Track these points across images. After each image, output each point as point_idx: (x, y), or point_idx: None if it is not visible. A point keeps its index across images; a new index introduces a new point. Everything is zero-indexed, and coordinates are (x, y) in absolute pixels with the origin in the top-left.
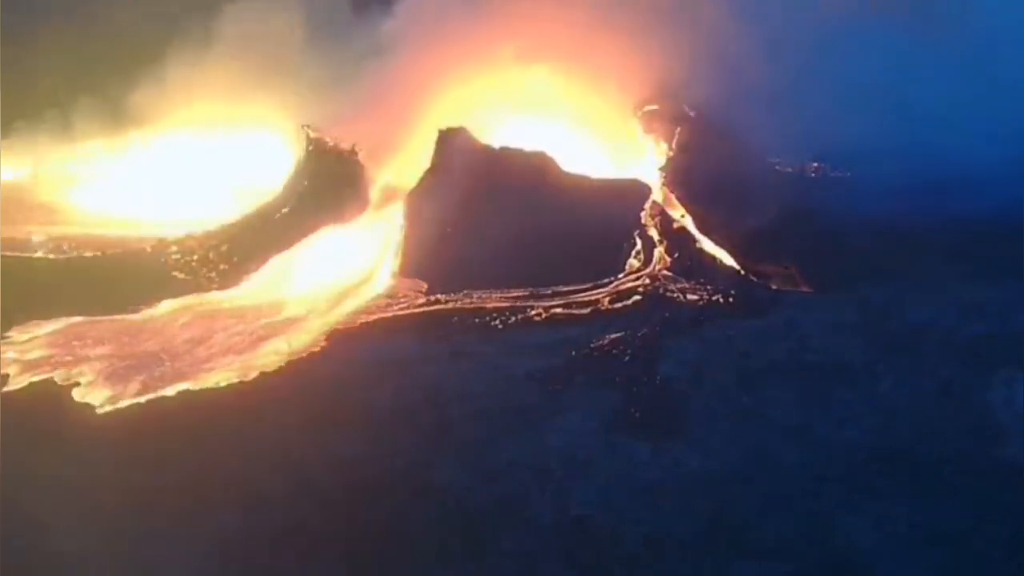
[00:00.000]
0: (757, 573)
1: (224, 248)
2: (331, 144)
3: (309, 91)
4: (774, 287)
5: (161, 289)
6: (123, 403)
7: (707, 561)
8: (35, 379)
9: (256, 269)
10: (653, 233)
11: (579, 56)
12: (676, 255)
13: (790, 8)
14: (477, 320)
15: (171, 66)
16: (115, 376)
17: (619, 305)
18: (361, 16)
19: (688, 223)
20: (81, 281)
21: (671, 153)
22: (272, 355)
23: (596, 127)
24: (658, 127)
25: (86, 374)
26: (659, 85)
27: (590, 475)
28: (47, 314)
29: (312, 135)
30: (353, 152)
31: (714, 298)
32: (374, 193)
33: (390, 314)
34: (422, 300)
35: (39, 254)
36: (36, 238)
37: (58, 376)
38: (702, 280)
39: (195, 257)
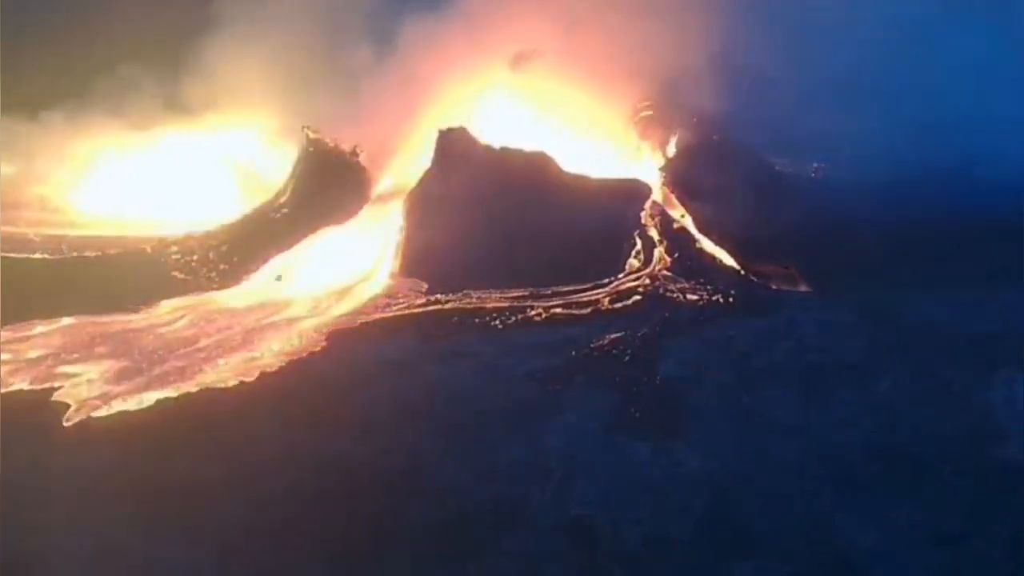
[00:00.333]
0: (757, 573)
1: (224, 248)
2: (331, 145)
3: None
4: (774, 287)
5: (161, 289)
6: (123, 403)
7: (707, 561)
8: (34, 379)
9: (256, 269)
10: (653, 233)
11: (580, 56)
12: (676, 255)
13: (791, 6)
14: (477, 320)
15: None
16: (115, 376)
17: (619, 305)
18: (365, 17)
19: (688, 223)
20: (81, 281)
21: (671, 153)
22: (272, 355)
23: (596, 126)
24: (658, 126)
25: (86, 374)
26: (660, 84)
27: (590, 475)
28: (47, 314)
29: (312, 136)
30: (354, 153)
31: (714, 298)
32: (374, 193)
33: (390, 314)
34: (422, 300)
35: (38, 255)
36: (36, 238)
37: (58, 376)
38: (702, 280)
39: (195, 257)
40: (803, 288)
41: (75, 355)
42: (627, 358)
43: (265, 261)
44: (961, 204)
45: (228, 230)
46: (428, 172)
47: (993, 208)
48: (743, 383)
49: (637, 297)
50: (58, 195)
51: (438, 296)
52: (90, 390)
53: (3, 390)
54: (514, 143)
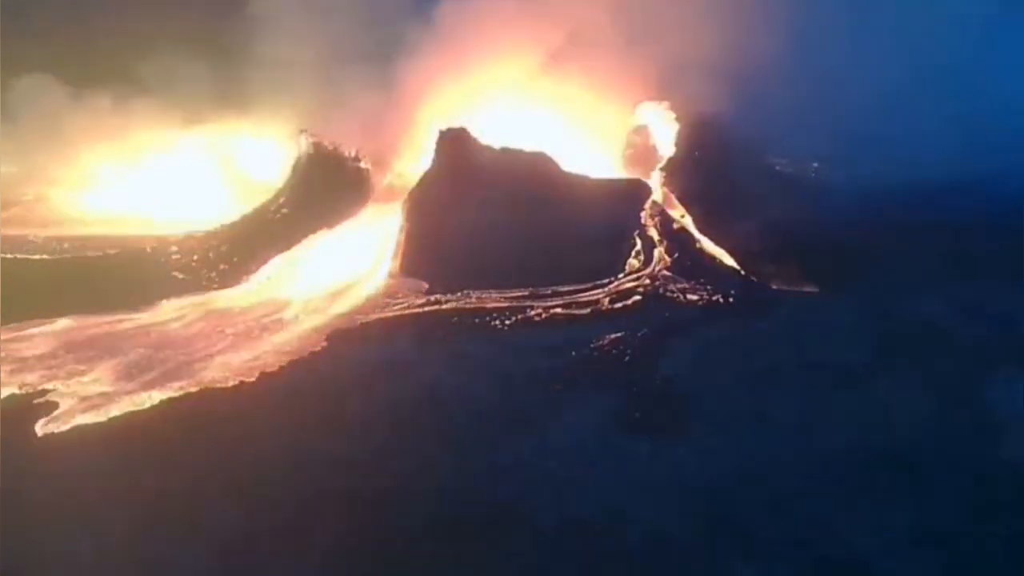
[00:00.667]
0: (757, 573)
1: (224, 248)
2: (330, 148)
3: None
4: (774, 287)
5: (162, 289)
6: (123, 402)
7: (707, 561)
8: (34, 379)
9: (256, 269)
10: (653, 233)
11: (580, 55)
12: (676, 255)
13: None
14: (477, 320)
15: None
16: (115, 376)
17: (619, 305)
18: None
19: (688, 223)
20: (81, 281)
21: (671, 153)
22: (272, 355)
23: (596, 125)
24: (659, 127)
25: (85, 374)
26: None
27: (590, 475)
28: (48, 314)
29: (310, 140)
30: (356, 159)
31: (714, 298)
32: (374, 194)
33: (390, 314)
34: (422, 300)
35: (38, 256)
36: (36, 238)
37: (58, 376)
38: (702, 280)
39: (195, 257)
40: (803, 288)
41: (75, 355)
42: (627, 358)
43: (265, 261)
44: (961, 204)
45: (228, 230)
46: (428, 172)
47: (993, 208)
48: (743, 383)
49: (637, 297)
50: (58, 194)
51: (438, 296)
52: (90, 390)
53: (3, 389)
54: (514, 143)
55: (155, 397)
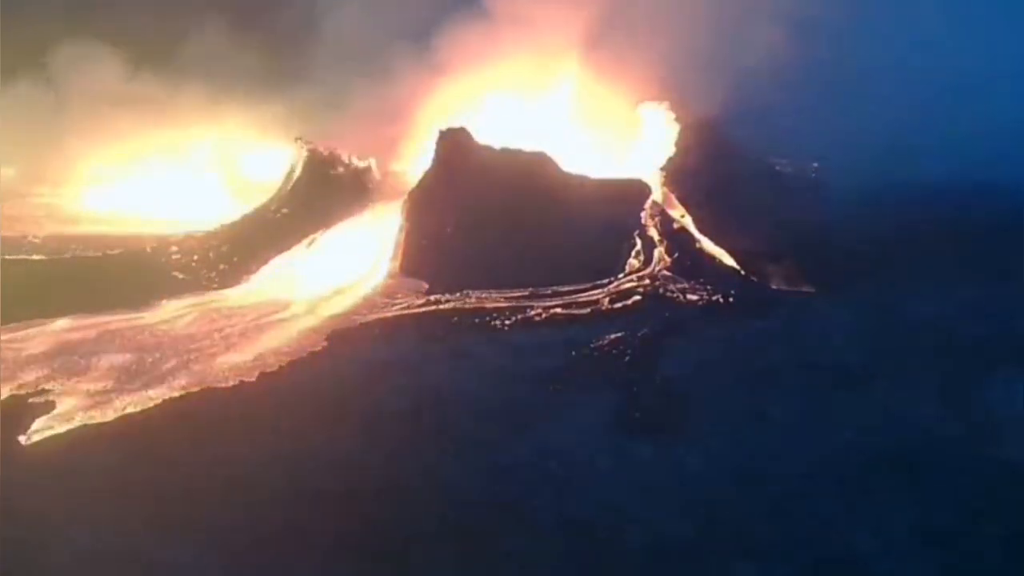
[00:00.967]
0: (757, 573)
1: (224, 248)
2: (326, 154)
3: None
4: (774, 287)
5: (162, 289)
6: (123, 402)
7: (707, 561)
8: (34, 379)
9: (256, 269)
10: (653, 233)
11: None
12: (676, 255)
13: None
14: (477, 320)
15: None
16: (115, 376)
17: (619, 305)
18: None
19: (688, 223)
20: (81, 281)
21: (671, 153)
22: (272, 355)
23: (597, 125)
24: (659, 126)
25: (86, 373)
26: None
27: (590, 475)
28: (48, 314)
29: (305, 146)
30: (348, 164)
31: (714, 298)
32: (374, 194)
33: (390, 314)
34: (422, 300)
35: (38, 256)
36: (36, 238)
37: (58, 376)
38: (702, 280)
39: (195, 257)
40: (803, 288)
41: (75, 355)
42: (627, 358)
43: (265, 261)
44: (962, 204)
45: (228, 230)
46: (428, 172)
47: (993, 208)
48: (743, 383)
49: (637, 297)
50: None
51: (438, 296)
52: (90, 390)
53: (4, 389)
54: (514, 143)
55: (155, 397)
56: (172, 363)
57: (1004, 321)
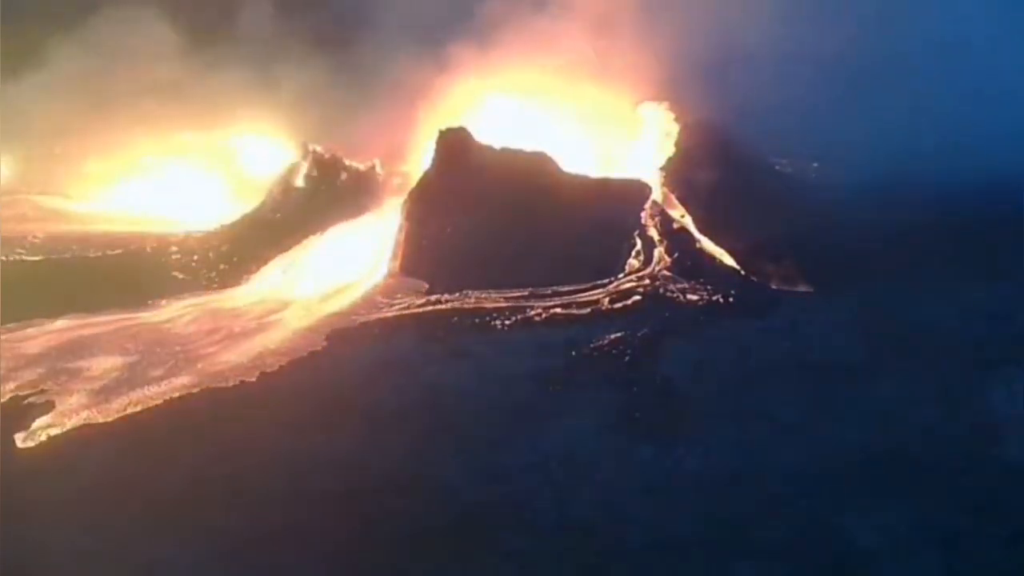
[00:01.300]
0: (757, 573)
1: (224, 248)
2: (327, 156)
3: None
4: (774, 287)
5: (161, 289)
6: (123, 402)
7: (707, 561)
8: (34, 379)
9: (256, 269)
10: (653, 233)
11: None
12: (676, 255)
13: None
14: (477, 320)
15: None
16: (115, 375)
17: (619, 305)
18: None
19: (688, 223)
20: (81, 281)
21: (671, 153)
22: (272, 355)
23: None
24: (659, 126)
25: (85, 374)
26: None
27: (590, 475)
28: (48, 314)
29: (311, 149)
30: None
31: (714, 298)
32: (374, 194)
33: (390, 314)
34: (422, 300)
35: (38, 256)
36: (36, 238)
37: (58, 375)
38: (702, 280)
39: (195, 257)
40: (803, 288)
41: (75, 355)
42: (627, 358)
43: (265, 261)
44: (961, 204)
45: (228, 230)
46: (428, 172)
47: (993, 208)
48: (743, 383)
49: (637, 297)
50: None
51: (438, 296)
52: (90, 390)
53: (4, 389)
54: (514, 143)
55: (155, 397)
56: (172, 363)
57: (1004, 321)
